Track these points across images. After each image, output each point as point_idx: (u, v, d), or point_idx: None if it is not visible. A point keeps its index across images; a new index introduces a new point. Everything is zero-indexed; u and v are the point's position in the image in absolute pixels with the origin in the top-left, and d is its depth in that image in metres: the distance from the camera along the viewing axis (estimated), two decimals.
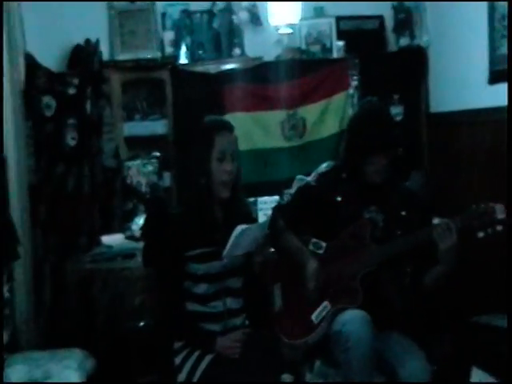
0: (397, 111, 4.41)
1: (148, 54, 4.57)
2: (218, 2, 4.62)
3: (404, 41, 4.57)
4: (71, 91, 4.27)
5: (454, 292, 3.56)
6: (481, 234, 2.57)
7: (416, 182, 4.07)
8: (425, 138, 4.50)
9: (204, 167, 2.65)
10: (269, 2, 4.05)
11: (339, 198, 2.85)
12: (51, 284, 3.91)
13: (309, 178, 2.99)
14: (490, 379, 2.60)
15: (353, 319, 2.57)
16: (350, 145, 2.87)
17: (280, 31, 4.10)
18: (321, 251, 2.83)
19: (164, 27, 4.65)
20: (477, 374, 2.68)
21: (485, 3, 3.66)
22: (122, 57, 4.58)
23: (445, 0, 4.22)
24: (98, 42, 4.38)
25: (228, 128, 2.72)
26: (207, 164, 2.65)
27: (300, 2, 3.97)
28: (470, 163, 3.90)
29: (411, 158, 4.31)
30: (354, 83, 4.41)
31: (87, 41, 4.39)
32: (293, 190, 3.05)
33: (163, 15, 4.66)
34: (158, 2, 4.63)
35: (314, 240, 2.85)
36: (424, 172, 4.31)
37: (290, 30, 4.14)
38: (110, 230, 4.15)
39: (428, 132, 4.49)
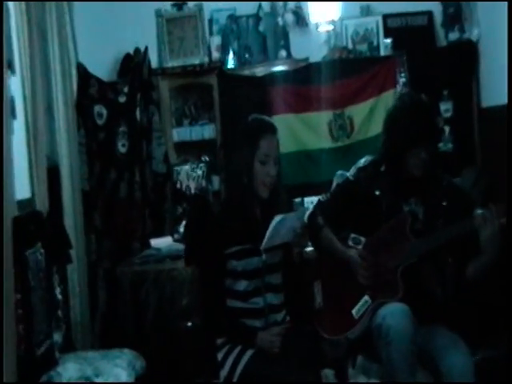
0: (447, 107, 4.33)
1: (196, 60, 4.63)
2: (263, 5, 4.64)
3: (453, 35, 4.49)
4: (122, 99, 4.37)
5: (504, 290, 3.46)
6: None
7: (468, 178, 3.98)
8: (477, 133, 4.40)
9: (247, 168, 2.67)
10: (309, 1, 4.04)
11: (378, 192, 2.80)
12: (105, 287, 4.00)
13: (347, 174, 2.95)
14: None
15: (393, 313, 2.53)
16: (389, 137, 2.82)
17: (320, 28, 4.08)
18: (360, 246, 2.79)
19: (211, 33, 4.72)
20: None
21: None
22: (171, 63, 4.68)
23: None
24: (146, 50, 4.47)
25: (272, 130, 2.72)
26: (251, 165, 2.66)
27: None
28: None
29: (463, 154, 4.22)
30: (402, 80, 4.35)
31: (136, 49, 4.48)
32: (332, 186, 3.01)
33: (210, 21, 4.73)
34: (205, 8, 4.69)
35: (353, 235, 2.82)
36: (476, 168, 4.20)
37: (331, 27, 4.12)
38: (160, 234, 4.20)
39: (480, 127, 4.38)
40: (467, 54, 4.41)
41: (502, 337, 3.09)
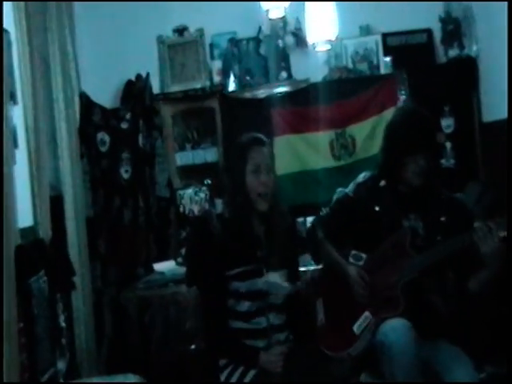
0: (448, 123, 4.33)
1: (197, 85, 4.66)
2: (263, 28, 4.67)
3: (453, 52, 4.50)
4: (124, 126, 4.39)
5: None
6: None
7: (472, 193, 3.95)
8: (479, 147, 4.38)
9: (240, 181, 2.68)
10: (307, 22, 4.06)
11: (377, 208, 2.80)
12: (111, 313, 3.99)
13: (347, 190, 2.95)
14: None
15: (394, 328, 2.51)
16: (388, 146, 2.83)
17: (318, 48, 4.11)
18: (361, 263, 2.78)
19: (212, 57, 4.75)
20: None
21: None
22: (173, 89, 4.70)
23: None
24: (148, 76, 4.50)
25: (260, 142, 2.75)
26: (243, 178, 2.68)
27: (338, 19, 3.98)
28: None
29: (465, 170, 4.20)
30: (403, 98, 4.35)
31: (138, 76, 4.51)
32: (332, 202, 3.00)
33: (211, 45, 4.77)
34: (206, 33, 4.73)
35: (354, 252, 2.81)
36: (480, 183, 4.18)
37: (328, 47, 4.14)
38: (164, 258, 4.20)
39: (482, 142, 4.37)
40: (467, 70, 4.41)
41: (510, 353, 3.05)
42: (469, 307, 2.75)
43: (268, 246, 2.73)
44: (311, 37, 4.01)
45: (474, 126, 4.38)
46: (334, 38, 3.97)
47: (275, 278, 2.70)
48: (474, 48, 4.39)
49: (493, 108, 4.25)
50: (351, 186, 2.94)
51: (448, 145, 4.29)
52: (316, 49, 4.10)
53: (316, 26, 3.93)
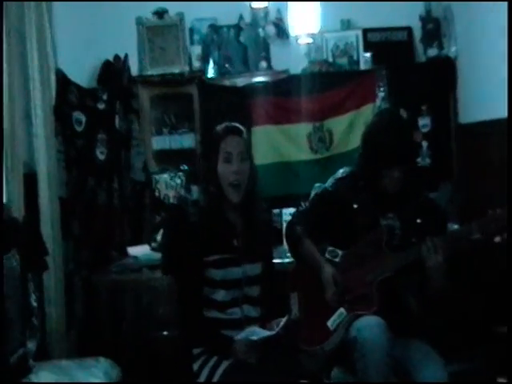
0: (425, 122, 4.39)
1: (176, 69, 4.63)
2: (245, 16, 4.66)
3: (432, 51, 4.55)
4: (101, 106, 4.36)
5: (476, 301, 3.51)
6: (497, 239, 2.53)
7: (445, 192, 4.02)
8: (454, 148, 4.45)
9: (213, 172, 2.69)
10: (289, 13, 4.07)
11: (356, 205, 2.83)
12: (82, 295, 3.98)
13: (325, 185, 2.97)
14: None
15: (368, 325, 2.55)
16: (366, 154, 2.85)
17: (300, 41, 4.12)
18: (337, 259, 2.82)
19: (192, 42, 4.72)
20: None
21: None
22: (151, 72, 4.65)
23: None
24: (126, 57, 4.46)
25: (235, 132, 2.74)
26: (215, 167, 2.68)
27: (320, 13, 4.00)
28: (499, 174, 3.83)
29: (440, 169, 4.27)
30: (382, 95, 4.39)
31: (116, 56, 4.47)
32: (310, 196, 3.03)
33: (191, 30, 4.73)
34: (186, 17, 4.69)
35: (331, 248, 2.84)
36: (453, 183, 4.25)
37: (311, 40, 4.16)
38: (139, 242, 4.20)
39: (457, 142, 4.44)
40: (445, 71, 4.47)
41: (476, 350, 3.14)
42: (437, 307, 2.81)
43: (244, 236, 2.75)
44: (294, 29, 4.03)
45: (450, 126, 4.44)
46: (316, 32, 3.99)
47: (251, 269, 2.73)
48: (453, 49, 4.45)
49: (470, 110, 4.32)
50: (330, 181, 2.96)
51: (424, 144, 4.36)
52: (298, 41, 4.11)
53: (299, 18, 3.94)
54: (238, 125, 2.80)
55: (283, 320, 2.61)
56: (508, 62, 2.65)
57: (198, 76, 4.57)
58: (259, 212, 2.82)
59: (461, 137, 4.41)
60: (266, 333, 2.58)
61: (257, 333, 2.58)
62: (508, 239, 2.52)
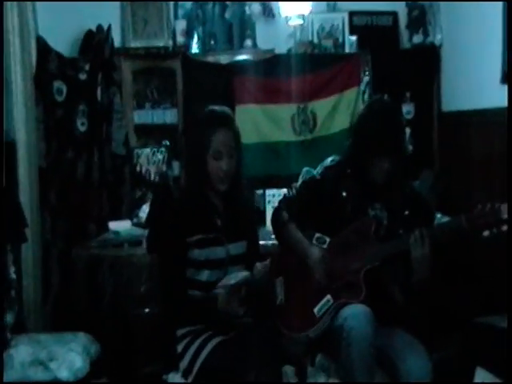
0: (408, 109, 4.42)
1: (160, 43, 4.57)
2: None
3: (417, 38, 4.57)
4: (82, 77, 4.30)
5: (459, 292, 3.59)
6: (486, 234, 2.57)
7: (426, 180, 4.07)
8: (436, 136, 4.50)
9: (202, 163, 2.67)
10: None
11: (344, 194, 2.84)
12: (59, 268, 3.95)
13: (314, 172, 2.98)
14: (494, 380, 2.61)
15: (355, 314, 2.57)
16: (355, 143, 2.85)
17: (290, 22, 4.10)
18: (324, 246, 2.83)
19: (176, 16, 4.65)
20: (481, 375, 2.69)
21: (500, 3, 3.65)
22: (134, 44, 4.58)
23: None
24: (109, 28, 4.38)
25: (226, 124, 2.70)
26: (204, 160, 2.67)
27: None
28: (480, 162, 3.90)
29: (422, 157, 4.31)
30: (366, 79, 4.41)
31: (99, 27, 4.39)
32: (298, 183, 3.04)
33: (175, 4, 4.66)
34: None
35: (318, 235, 2.84)
36: (434, 171, 4.30)
37: (301, 21, 4.14)
38: (118, 217, 4.17)
39: (439, 130, 4.48)
40: (430, 58, 4.50)
41: (452, 339, 3.21)
42: (420, 297, 2.86)
43: (226, 216, 2.76)
44: (284, 10, 4.01)
45: (432, 114, 4.48)
46: (307, 13, 3.97)
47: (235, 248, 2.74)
48: (438, 37, 4.48)
49: (452, 98, 4.37)
50: (319, 169, 2.96)
51: (407, 131, 4.37)
52: (289, 23, 4.09)
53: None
54: (226, 111, 2.77)
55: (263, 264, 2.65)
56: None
57: (182, 51, 4.51)
58: (242, 198, 2.84)
59: (442, 125, 4.45)
60: (242, 274, 2.60)
61: (233, 276, 2.59)
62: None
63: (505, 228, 2.56)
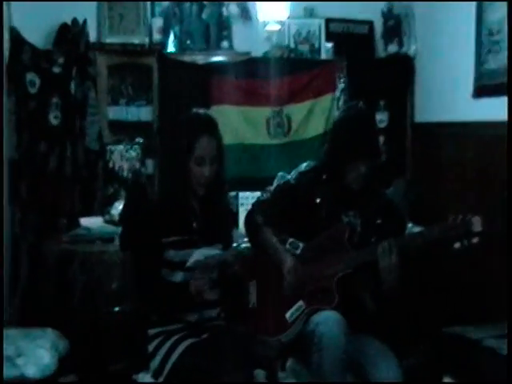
0: (382, 117, 4.46)
1: (136, 40, 4.55)
2: None
3: (392, 48, 4.62)
4: (56, 70, 4.27)
5: (427, 302, 3.65)
6: (457, 245, 2.61)
7: (398, 189, 4.11)
8: (408, 146, 4.55)
9: (183, 168, 2.68)
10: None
11: (318, 200, 2.87)
12: (28, 262, 3.91)
13: (289, 177, 3.01)
14: None
15: (327, 320, 2.60)
16: (331, 149, 2.88)
17: (268, 27, 4.12)
18: (298, 251, 2.85)
19: (153, 14, 4.62)
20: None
21: (473, 17, 3.71)
22: (110, 40, 4.55)
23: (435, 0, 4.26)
24: (85, 22, 4.35)
25: (210, 130, 2.71)
26: (186, 165, 2.68)
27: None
28: (451, 174, 3.96)
29: (394, 165, 4.36)
30: (341, 86, 4.45)
31: (74, 20, 4.36)
32: (273, 187, 3.05)
33: (153, 1, 4.63)
34: None
35: (291, 240, 2.86)
36: (406, 180, 4.36)
37: (279, 27, 4.17)
38: (89, 213, 4.15)
39: (412, 140, 4.54)
40: (404, 68, 4.55)
41: (420, 347, 3.28)
42: (391, 306, 2.91)
43: (203, 219, 2.78)
44: (262, 15, 4.03)
45: (405, 123, 4.54)
46: (285, 19, 4.00)
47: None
48: (413, 47, 4.54)
49: (425, 109, 4.43)
50: (294, 174, 2.98)
51: (380, 139, 4.42)
52: (266, 28, 4.11)
53: (269, 5, 3.94)
54: (211, 117, 2.78)
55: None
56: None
57: (158, 49, 4.50)
58: (219, 202, 2.86)
59: (415, 135, 4.52)
60: (213, 251, 2.62)
61: (203, 253, 2.61)
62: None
63: (476, 240, 2.62)
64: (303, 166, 3.02)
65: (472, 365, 2.61)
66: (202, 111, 2.80)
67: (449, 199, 3.91)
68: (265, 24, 4.07)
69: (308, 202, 2.89)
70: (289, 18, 4.55)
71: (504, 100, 3.31)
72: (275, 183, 3.09)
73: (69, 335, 3.33)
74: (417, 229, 3.16)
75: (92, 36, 4.48)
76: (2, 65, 2.57)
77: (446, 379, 2.71)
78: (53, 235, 3.92)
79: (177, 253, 2.69)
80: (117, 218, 3.93)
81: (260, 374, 2.70)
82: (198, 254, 2.63)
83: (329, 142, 2.95)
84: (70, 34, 4.36)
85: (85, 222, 3.94)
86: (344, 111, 3.09)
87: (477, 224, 2.61)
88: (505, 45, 3.39)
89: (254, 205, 3.10)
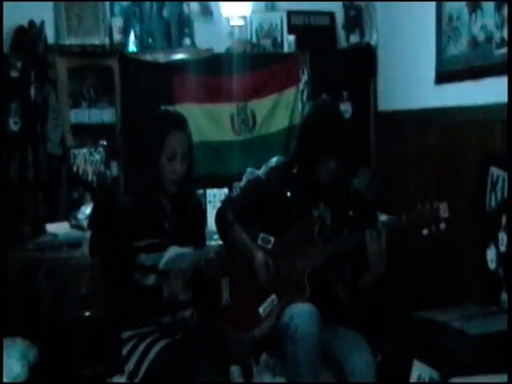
0: (345, 108, 4.45)
1: (96, 40, 4.48)
2: None
3: (354, 38, 4.62)
4: (14, 74, 4.17)
5: (396, 288, 3.67)
6: (425, 232, 2.64)
7: (363, 179, 4.12)
8: (373, 135, 4.55)
9: (154, 164, 2.66)
10: None
11: (288, 194, 2.87)
12: None
13: (258, 172, 3.00)
14: (431, 371, 2.69)
15: (300, 313, 2.60)
16: (301, 144, 2.88)
17: (231, 23, 4.10)
18: (269, 246, 2.85)
19: (112, 13, 4.56)
20: (418, 367, 2.76)
21: (433, 4, 3.72)
22: (69, 41, 4.47)
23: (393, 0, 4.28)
24: (42, 24, 4.27)
25: (181, 126, 2.72)
26: (157, 162, 2.66)
27: None
28: (416, 161, 3.97)
29: (359, 156, 4.35)
30: (305, 78, 4.44)
31: (31, 23, 4.28)
32: (242, 183, 3.04)
33: (112, 1, 4.56)
34: None
35: (263, 235, 2.87)
36: (370, 170, 4.36)
37: (242, 22, 4.14)
38: (54, 219, 4.08)
39: (376, 130, 4.54)
40: (366, 58, 4.54)
41: (390, 334, 3.30)
42: (364, 297, 2.91)
43: (174, 220, 2.75)
44: (225, 11, 4.00)
45: (369, 113, 4.54)
46: (248, 14, 3.98)
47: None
48: (375, 37, 4.54)
49: (388, 98, 4.43)
50: (263, 169, 2.98)
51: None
52: (230, 23, 4.08)
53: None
54: (181, 114, 2.79)
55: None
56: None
57: (119, 49, 4.44)
58: (190, 198, 2.84)
59: (379, 124, 4.52)
60: (185, 249, 2.60)
61: (175, 250, 2.59)
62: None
63: (443, 226, 2.63)
64: (273, 160, 3.02)
65: (441, 346, 2.64)
66: (171, 108, 2.80)
67: (415, 186, 3.92)
68: (228, 20, 4.04)
69: (279, 197, 2.89)
70: (250, 12, 4.52)
71: (465, 85, 3.35)
72: (245, 179, 3.09)
73: (38, 343, 3.26)
74: (384, 217, 3.17)
75: (50, 38, 4.40)
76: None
77: (416, 362, 2.72)
78: (17, 243, 3.84)
79: (149, 256, 2.67)
80: (84, 222, 3.86)
81: (235, 369, 2.67)
82: (169, 253, 2.59)
83: (299, 137, 2.94)
84: (27, 37, 4.28)
85: (51, 228, 3.87)
86: (312, 106, 3.07)
87: (444, 210, 2.64)
88: (465, 30, 3.40)
89: (224, 202, 3.10)
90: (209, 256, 2.65)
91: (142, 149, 2.75)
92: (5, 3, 4.16)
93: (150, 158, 2.67)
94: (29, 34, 4.28)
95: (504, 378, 2.22)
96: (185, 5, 4.56)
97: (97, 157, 4.28)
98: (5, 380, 3.02)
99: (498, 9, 3.04)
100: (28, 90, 4.20)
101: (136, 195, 2.74)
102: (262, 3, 4.64)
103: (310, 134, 2.81)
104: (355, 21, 4.63)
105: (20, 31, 4.31)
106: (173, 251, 2.59)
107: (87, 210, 3.89)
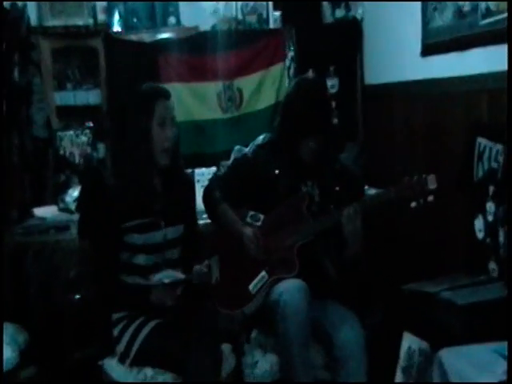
0: (333, 83, 4.41)
1: (79, 21, 4.46)
2: None
3: (339, 12, 4.57)
4: None
5: (385, 261, 3.67)
6: (413, 204, 2.63)
7: (351, 153, 4.10)
8: (360, 109, 4.52)
9: (145, 134, 2.64)
10: None
11: (276, 171, 2.86)
12: None
13: (246, 150, 2.98)
14: (420, 342, 2.70)
15: (290, 288, 2.61)
16: (284, 123, 2.87)
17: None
18: (258, 223, 2.85)
19: None
20: (408, 338, 2.77)
21: None
22: (52, 23, 4.45)
23: None
24: (25, 5, 4.21)
25: (165, 95, 2.72)
26: (148, 131, 2.64)
27: None
28: (403, 134, 3.96)
29: (346, 130, 4.34)
30: (291, 54, 4.40)
31: (13, 4, 4.22)
32: (230, 161, 3.03)
33: None
34: None
35: (252, 212, 2.87)
36: (358, 144, 4.34)
37: None
38: (42, 202, 4.06)
39: (363, 104, 4.52)
40: (352, 32, 4.49)
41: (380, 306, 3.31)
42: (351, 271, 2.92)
43: (165, 199, 2.73)
44: None
45: (356, 87, 4.50)
46: None
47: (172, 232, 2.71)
48: (360, 11, 4.49)
49: (374, 71, 4.39)
50: (250, 147, 2.97)
51: (332, 105, 4.39)
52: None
53: None
54: (165, 87, 2.79)
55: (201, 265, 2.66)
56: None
57: (104, 29, 4.41)
58: (181, 173, 2.83)
59: (366, 98, 4.49)
60: (178, 276, 2.61)
61: (169, 275, 2.60)
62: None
63: (431, 198, 2.63)
64: (260, 138, 3.01)
65: (430, 317, 2.65)
66: (154, 84, 2.80)
67: (402, 159, 3.91)
68: None
69: (266, 175, 2.89)
70: None
71: (451, 56, 3.32)
72: (232, 157, 3.07)
73: (29, 327, 3.25)
74: (372, 191, 3.16)
75: (33, 20, 4.35)
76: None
77: (406, 333, 2.73)
78: (4, 228, 3.81)
79: (139, 236, 2.66)
80: (72, 205, 3.84)
81: (226, 348, 2.67)
82: (163, 277, 2.60)
83: (281, 115, 2.92)
84: (9, 19, 4.23)
85: (39, 211, 3.85)
86: (295, 84, 3.02)
87: (432, 182, 2.64)
88: (450, 1, 3.37)
89: (211, 180, 3.09)
90: (202, 271, 2.66)
91: (132, 123, 2.72)
92: None
93: (142, 129, 2.65)
94: (11, 16, 4.22)
95: (493, 346, 2.22)
96: None
97: (83, 139, 4.25)
98: None
99: None
100: (12, 73, 4.15)
101: (125, 175, 2.71)
102: None
103: (292, 113, 2.80)
104: None
105: (2, 13, 4.25)
106: (166, 276, 2.59)
107: (75, 192, 3.87)
